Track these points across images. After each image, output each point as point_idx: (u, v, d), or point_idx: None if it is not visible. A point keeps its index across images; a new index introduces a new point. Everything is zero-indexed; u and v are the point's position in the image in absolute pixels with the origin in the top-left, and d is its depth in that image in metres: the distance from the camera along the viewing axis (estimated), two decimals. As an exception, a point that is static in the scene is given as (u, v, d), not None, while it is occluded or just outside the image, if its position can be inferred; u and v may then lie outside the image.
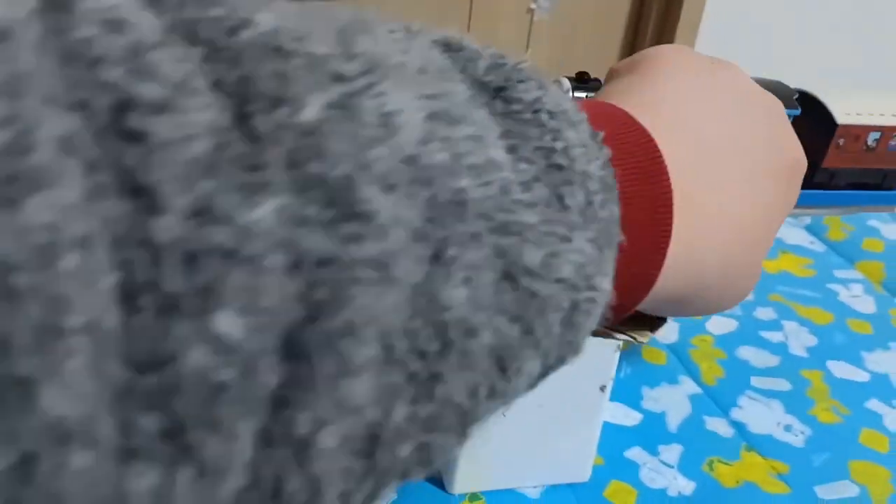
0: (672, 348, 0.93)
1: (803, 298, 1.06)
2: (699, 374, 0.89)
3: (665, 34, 1.26)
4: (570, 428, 0.71)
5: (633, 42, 1.29)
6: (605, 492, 0.73)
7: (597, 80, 0.60)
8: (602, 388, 0.69)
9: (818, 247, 1.20)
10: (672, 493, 0.74)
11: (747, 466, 0.78)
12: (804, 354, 0.94)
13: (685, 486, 0.75)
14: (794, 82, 1.38)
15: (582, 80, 0.59)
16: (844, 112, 0.63)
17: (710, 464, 0.77)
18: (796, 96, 0.62)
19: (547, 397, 0.68)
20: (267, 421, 0.24)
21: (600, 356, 0.67)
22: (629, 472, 0.76)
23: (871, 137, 0.64)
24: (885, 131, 0.63)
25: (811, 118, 0.61)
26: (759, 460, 0.78)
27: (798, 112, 0.61)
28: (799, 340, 0.97)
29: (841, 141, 0.63)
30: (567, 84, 0.58)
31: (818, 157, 0.63)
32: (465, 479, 0.71)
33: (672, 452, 0.78)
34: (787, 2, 1.28)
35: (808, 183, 0.66)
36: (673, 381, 0.88)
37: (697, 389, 0.87)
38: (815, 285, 1.09)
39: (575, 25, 1.23)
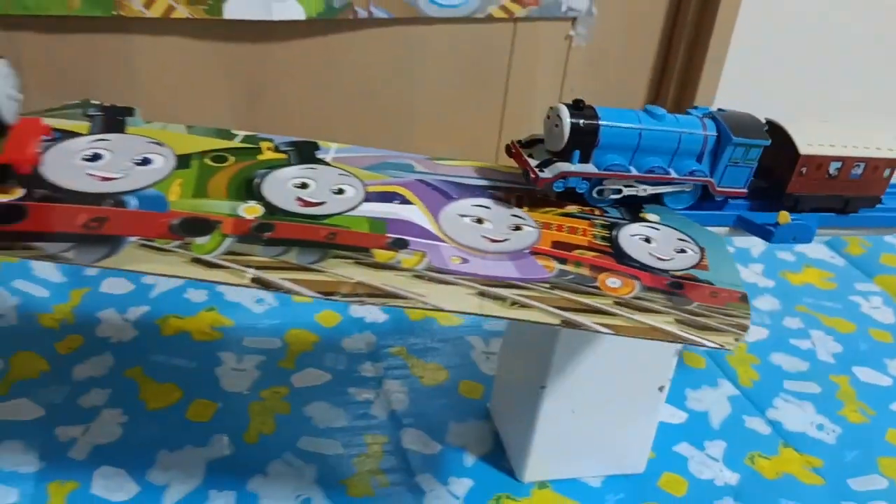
0: (710, 354, 1.01)
1: (827, 309, 1.14)
2: (736, 377, 0.97)
3: (693, 63, 1.34)
4: (630, 424, 0.78)
5: (664, 69, 1.37)
6: (658, 482, 0.81)
7: (590, 107, 0.66)
8: (660, 389, 0.77)
9: (838, 261, 1.29)
10: (719, 483, 0.82)
11: (785, 461, 0.85)
12: (831, 360, 1.02)
13: (730, 477, 0.82)
14: (817, 114, 1.46)
15: (577, 107, 0.65)
16: (807, 143, 0.70)
17: (752, 458, 0.85)
18: (766, 128, 0.70)
19: (610, 396, 0.75)
20: None
21: (660, 359, 0.75)
22: (679, 464, 0.83)
23: (833, 166, 0.72)
24: (846, 161, 0.70)
25: (779, 147, 0.68)
26: (796, 455, 0.86)
27: (768, 143, 0.67)
28: (826, 348, 1.05)
29: (804, 169, 0.70)
30: (565, 110, 0.64)
31: (784, 182, 0.70)
32: (535, 469, 0.78)
33: (716, 447, 0.86)
34: (812, 37, 1.36)
35: (775, 206, 0.73)
36: (713, 383, 0.96)
37: (735, 391, 0.95)
38: (837, 297, 1.17)
39: (608, 53, 1.30)
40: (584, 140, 0.64)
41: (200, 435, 0.78)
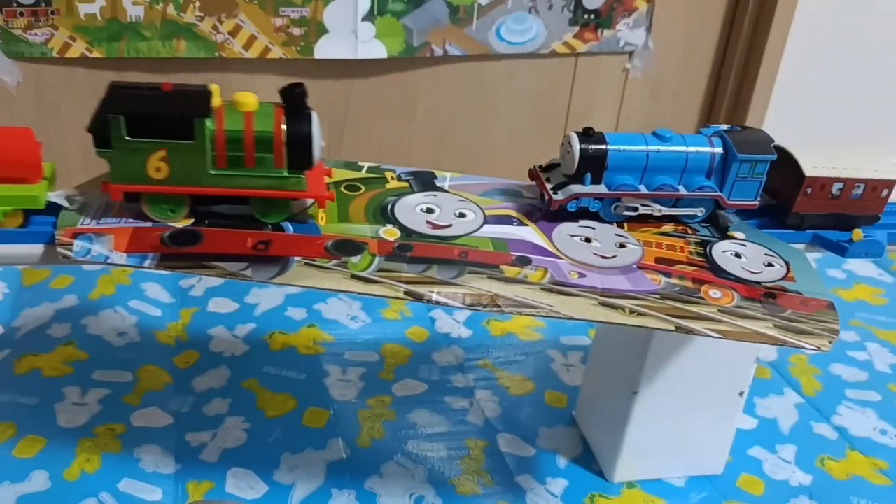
0: (773, 365, 1.07)
1: (881, 323, 1.20)
2: (800, 386, 1.04)
3: (742, 93, 1.42)
4: (712, 427, 0.85)
5: (714, 99, 1.46)
6: (737, 482, 0.87)
7: (600, 133, 0.73)
8: (740, 394, 0.83)
9: (887, 278, 1.35)
10: (793, 483, 0.88)
11: (853, 463, 0.91)
12: (888, 371, 1.08)
13: (803, 478, 0.89)
14: (864, 140, 1.52)
15: (587, 134, 0.73)
16: (812, 166, 0.77)
17: (822, 460, 0.91)
18: (773, 144, 0.76)
19: (695, 400, 0.82)
20: None
21: (741, 365, 0.82)
22: (754, 466, 0.90)
23: (836, 187, 0.78)
24: (847, 182, 0.77)
25: (785, 169, 0.75)
26: (862, 458, 0.92)
27: (774, 157, 0.71)
28: (882, 359, 1.11)
29: (809, 189, 0.77)
30: (575, 137, 0.71)
31: (790, 202, 0.73)
32: (624, 469, 0.85)
33: (788, 451, 0.92)
34: (858, 63, 1.43)
35: (781, 225, 0.77)
36: (779, 392, 1.02)
37: (800, 399, 1.01)
38: (889, 311, 1.23)
39: (662, 84, 1.38)
40: (594, 163, 0.70)
41: (318, 439, 0.86)
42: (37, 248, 0.61)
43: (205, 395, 0.91)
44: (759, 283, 0.67)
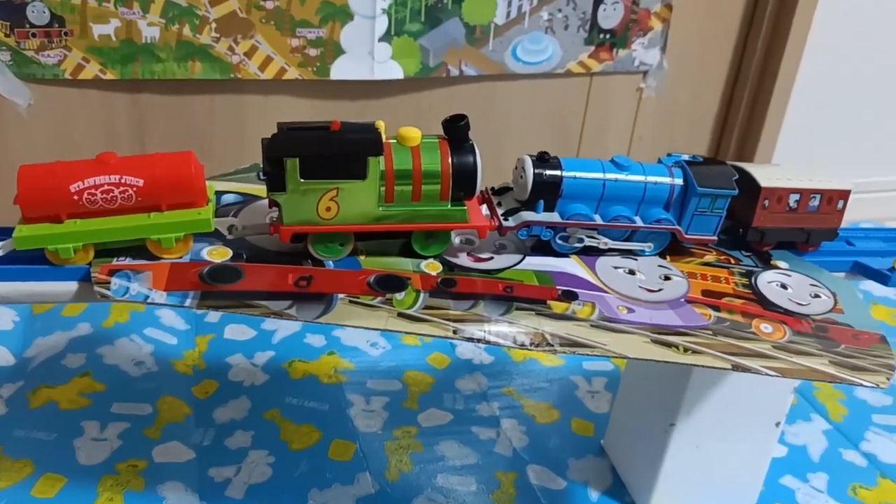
0: (799, 390, 1.06)
1: (900, 345, 1.19)
2: (826, 412, 1.02)
3: (755, 112, 1.42)
4: (746, 458, 0.83)
5: (726, 119, 1.46)
6: (771, 513, 0.86)
7: (556, 158, 0.70)
8: (777, 424, 0.82)
9: (905, 297, 1.34)
10: (827, 514, 0.87)
11: (885, 491, 0.90)
12: (914, 395, 1.08)
13: (837, 508, 0.87)
14: (876, 153, 1.51)
15: (542, 159, 0.71)
16: (766, 178, 0.76)
17: (854, 489, 0.90)
18: (735, 177, 0.69)
19: (732, 431, 0.81)
20: None
21: (778, 395, 0.80)
22: (787, 496, 0.88)
23: (792, 199, 0.77)
24: (804, 193, 0.76)
25: (743, 188, 0.73)
26: (894, 486, 0.91)
27: (735, 192, 0.69)
28: (906, 382, 1.10)
29: (766, 202, 0.76)
30: (529, 162, 0.70)
31: (749, 218, 0.72)
32: (658, 502, 0.83)
33: (819, 480, 0.91)
34: (873, 88, 1.43)
35: (741, 242, 0.75)
36: (806, 418, 1.01)
37: (828, 426, 1.00)
38: (908, 333, 1.23)
39: (676, 103, 1.37)
40: (548, 190, 0.67)
41: (345, 473, 0.84)
42: (70, 286, 0.58)
43: (226, 426, 0.89)
44: (808, 315, 0.66)
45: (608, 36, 1.27)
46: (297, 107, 1.16)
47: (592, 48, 1.27)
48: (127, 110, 1.10)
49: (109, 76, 1.06)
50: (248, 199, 0.71)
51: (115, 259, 0.59)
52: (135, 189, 0.58)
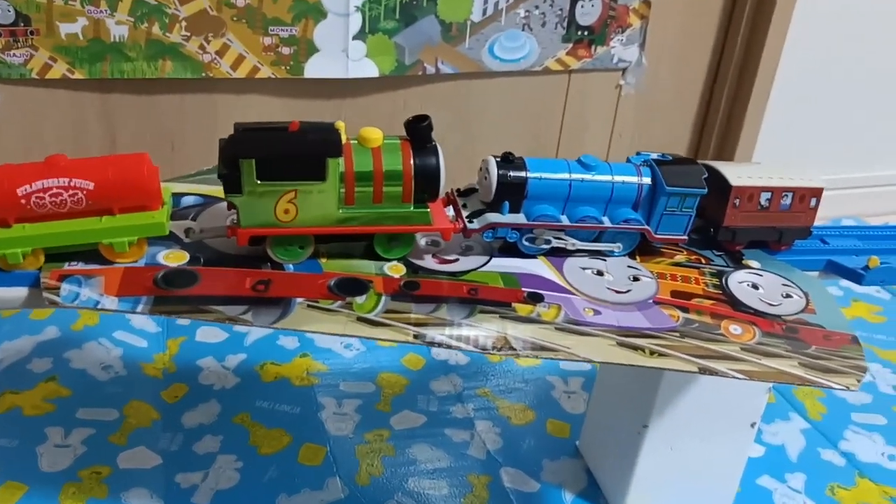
0: (778, 389, 1.05)
1: (880, 342, 1.18)
2: (805, 410, 1.02)
3: (735, 109, 1.41)
4: (722, 459, 0.82)
5: (706, 116, 1.45)
6: (747, 514, 0.85)
7: (520, 158, 0.63)
8: (752, 425, 0.81)
9: (884, 295, 1.33)
10: (805, 515, 0.86)
11: (863, 491, 0.89)
12: (892, 392, 1.07)
13: (814, 509, 0.86)
14: (856, 150, 1.50)
15: (507, 160, 0.69)
16: (737, 176, 0.75)
17: (832, 489, 0.89)
18: (705, 176, 0.68)
19: (707, 432, 0.80)
20: None
21: (753, 396, 0.79)
22: (764, 498, 0.87)
23: (763, 197, 0.76)
24: (775, 192, 0.74)
25: (711, 185, 0.69)
26: (872, 486, 0.90)
27: (704, 191, 0.68)
28: (885, 380, 1.09)
29: (737, 201, 0.74)
30: (493, 162, 0.68)
31: (720, 217, 0.71)
32: (633, 504, 0.82)
33: (797, 480, 0.90)
34: (853, 84, 1.42)
35: (712, 241, 0.73)
36: (784, 417, 1.00)
37: (806, 425, 0.99)
38: (889, 330, 1.22)
39: (656, 100, 1.36)
40: (513, 191, 0.66)
41: (314, 478, 0.82)
42: (20, 292, 0.57)
43: (195, 431, 0.87)
44: (779, 316, 0.65)
45: (586, 33, 1.25)
46: (270, 106, 1.14)
47: (570, 45, 1.26)
48: (96, 110, 1.08)
49: (78, 76, 1.04)
50: (209, 200, 0.69)
51: (67, 264, 0.58)
52: (85, 192, 0.56)
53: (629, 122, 1.38)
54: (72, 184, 0.56)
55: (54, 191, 0.56)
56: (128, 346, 1.00)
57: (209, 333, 1.03)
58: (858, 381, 0.59)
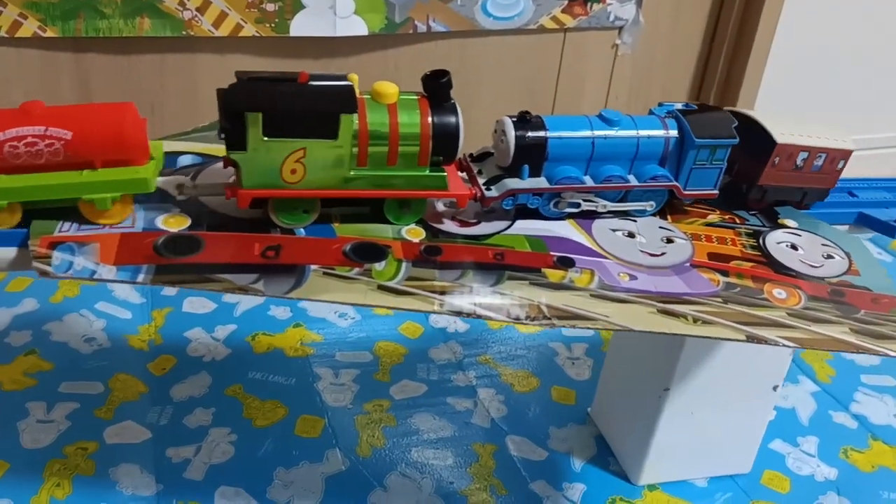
0: (785, 352, 1.02)
1: (885, 304, 1.16)
2: (814, 373, 0.99)
3: (734, 68, 1.37)
4: (743, 423, 0.79)
5: (704, 75, 1.41)
6: (761, 480, 0.82)
7: (538, 117, 0.62)
8: (774, 388, 0.77)
9: (886, 257, 1.31)
10: (819, 478, 0.83)
11: (877, 453, 0.87)
12: (900, 354, 1.04)
13: (829, 472, 0.84)
14: (855, 112, 1.47)
15: (523, 119, 0.64)
16: (780, 132, 0.70)
17: (846, 452, 0.87)
18: (735, 125, 0.64)
19: (729, 396, 0.76)
20: None
21: (776, 358, 0.76)
22: (778, 461, 0.85)
23: (801, 157, 0.72)
24: (812, 152, 0.71)
25: (750, 141, 0.65)
26: (886, 448, 0.88)
27: (736, 141, 0.63)
28: (893, 342, 1.07)
29: (777, 159, 0.70)
30: (509, 123, 0.63)
31: (755, 175, 0.66)
32: (650, 471, 0.79)
33: (810, 443, 0.87)
34: (853, 37, 1.38)
35: (743, 200, 0.70)
36: (793, 380, 0.97)
37: (816, 388, 0.97)
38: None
39: (653, 60, 1.32)
40: (532, 153, 0.61)
41: (313, 451, 0.78)
42: (8, 252, 0.52)
43: (185, 404, 0.83)
44: (822, 278, 0.61)
45: (582, -11, 1.21)
46: (254, 65, 1.09)
47: (566, 2, 1.21)
48: (70, 71, 1.02)
49: (50, 34, 0.98)
50: (208, 160, 0.64)
51: (58, 230, 0.52)
52: (62, 142, 0.51)
53: (626, 83, 1.34)
54: (48, 132, 0.51)
55: (29, 139, 0.51)
56: (111, 317, 0.95)
57: (197, 304, 0.99)
58: None
